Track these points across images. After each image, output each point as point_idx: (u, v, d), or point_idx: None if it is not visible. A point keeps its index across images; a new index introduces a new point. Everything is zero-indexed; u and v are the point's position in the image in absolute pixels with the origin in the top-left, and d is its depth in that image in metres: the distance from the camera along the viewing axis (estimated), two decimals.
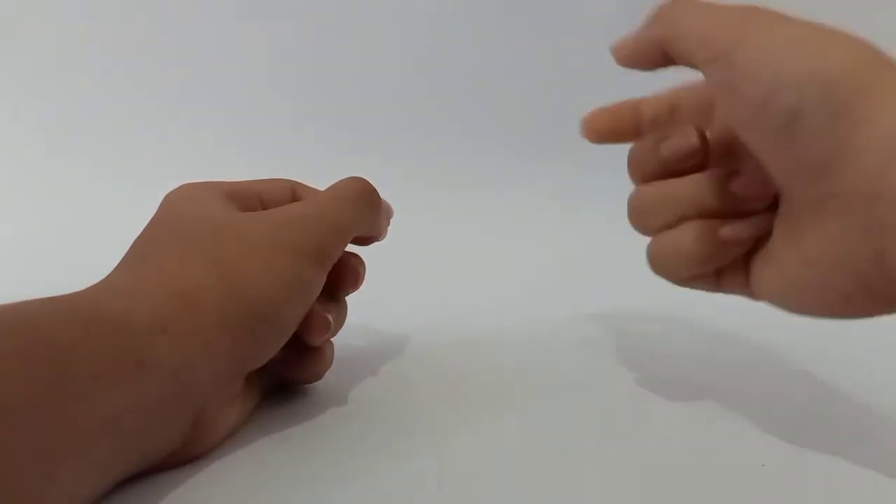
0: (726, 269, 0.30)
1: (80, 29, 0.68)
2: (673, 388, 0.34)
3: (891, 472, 0.26)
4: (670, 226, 0.30)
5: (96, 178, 0.65)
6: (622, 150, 0.34)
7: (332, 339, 0.33)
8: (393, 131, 0.69)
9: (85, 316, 0.23)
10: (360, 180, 0.33)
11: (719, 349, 0.41)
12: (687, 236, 0.29)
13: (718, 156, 0.31)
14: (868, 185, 0.23)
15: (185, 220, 0.30)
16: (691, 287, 0.31)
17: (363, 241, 0.35)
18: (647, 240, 0.32)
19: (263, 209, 0.32)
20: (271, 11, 0.69)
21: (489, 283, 0.52)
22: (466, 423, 0.31)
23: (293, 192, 0.34)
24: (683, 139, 0.30)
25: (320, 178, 0.33)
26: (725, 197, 0.29)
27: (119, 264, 0.29)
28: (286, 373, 0.32)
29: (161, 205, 0.31)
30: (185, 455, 0.26)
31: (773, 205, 0.29)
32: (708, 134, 0.31)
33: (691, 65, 0.28)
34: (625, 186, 0.34)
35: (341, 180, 0.33)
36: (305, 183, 0.35)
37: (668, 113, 0.33)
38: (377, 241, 0.35)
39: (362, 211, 0.32)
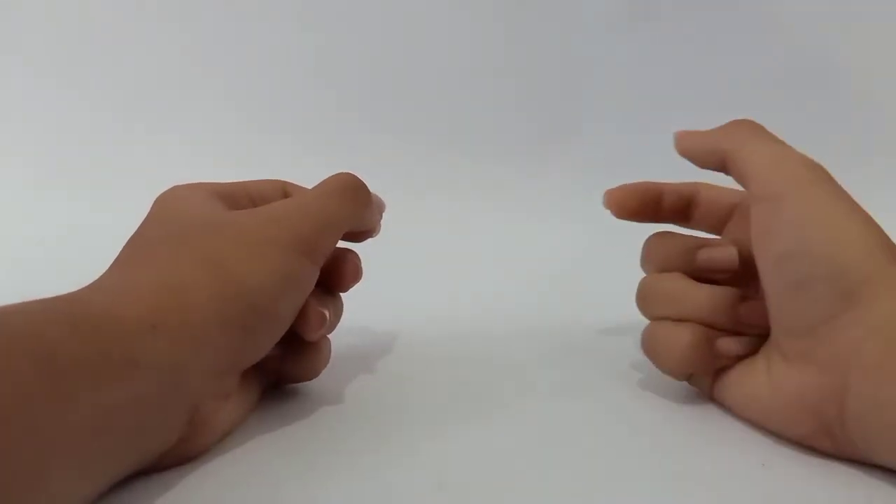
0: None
1: (77, 30, 0.68)
2: (672, 388, 0.34)
3: (891, 471, 0.26)
4: (672, 319, 0.32)
5: (93, 179, 0.65)
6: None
7: (328, 337, 0.33)
8: (386, 134, 0.69)
9: (74, 315, 0.23)
10: (348, 175, 0.33)
11: None
12: (685, 337, 0.31)
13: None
14: (844, 356, 0.26)
15: (175, 219, 0.30)
16: (665, 373, 0.33)
17: (357, 236, 0.35)
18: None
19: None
20: (268, 12, 0.69)
21: (484, 284, 0.52)
22: (465, 423, 0.31)
23: (283, 192, 0.35)
24: (726, 258, 0.32)
25: (313, 181, 0.33)
26: (732, 316, 0.31)
27: (111, 266, 0.29)
28: (283, 370, 0.32)
29: (152, 206, 0.31)
30: (181, 454, 0.26)
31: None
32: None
33: (742, 186, 0.31)
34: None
35: (330, 176, 0.33)
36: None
37: (686, 206, 0.36)
38: (371, 236, 0.35)
39: (351, 204, 0.32)
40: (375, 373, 0.37)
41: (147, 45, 0.69)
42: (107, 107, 0.68)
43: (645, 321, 0.34)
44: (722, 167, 0.32)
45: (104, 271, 0.28)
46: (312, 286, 0.30)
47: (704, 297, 0.32)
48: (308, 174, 0.34)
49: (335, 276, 0.33)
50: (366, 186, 0.33)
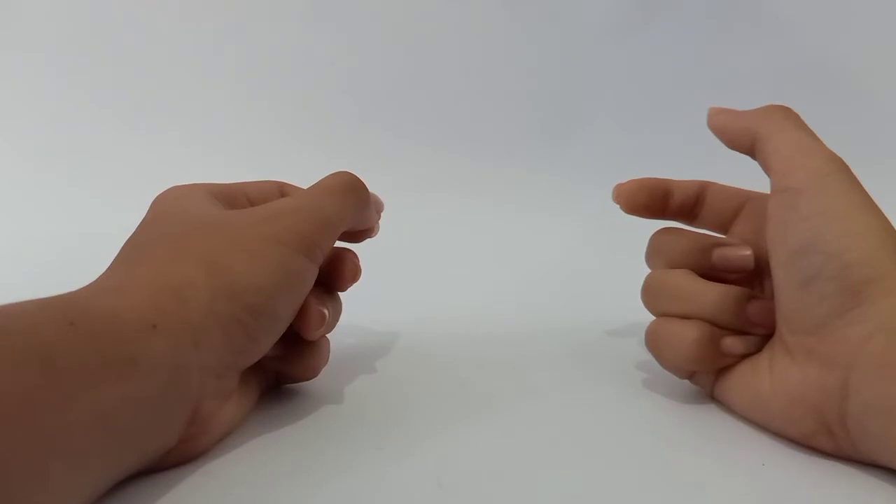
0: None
1: (77, 30, 0.68)
2: (671, 389, 0.34)
3: (890, 471, 0.26)
4: (678, 316, 0.32)
5: (94, 179, 0.65)
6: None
7: (327, 336, 0.33)
8: (386, 133, 0.69)
9: (74, 315, 0.23)
10: (345, 174, 0.33)
11: None
12: (691, 334, 0.31)
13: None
14: (848, 353, 0.27)
15: (173, 219, 0.30)
16: (668, 370, 0.34)
17: (356, 236, 0.35)
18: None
19: None
20: (271, 11, 0.69)
21: (484, 284, 0.52)
22: (465, 423, 0.31)
23: (281, 192, 0.35)
24: (741, 258, 0.33)
25: (312, 181, 0.33)
26: (739, 315, 0.31)
27: (110, 266, 0.29)
28: (282, 370, 0.32)
29: (150, 206, 0.31)
30: (183, 454, 0.26)
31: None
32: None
33: (765, 171, 0.31)
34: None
35: (328, 175, 0.33)
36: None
37: (694, 203, 0.36)
38: (370, 236, 0.35)
39: (348, 202, 0.32)
40: (375, 373, 0.37)
41: (148, 44, 0.69)
42: (107, 106, 0.68)
43: (646, 321, 0.34)
44: (750, 150, 0.32)
45: (103, 271, 0.28)
46: (311, 284, 0.30)
47: (714, 296, 0.32)
48: (308, 174, 0.34)
49: (334, 275, 0.33)
50: (364, 184, 0.33)
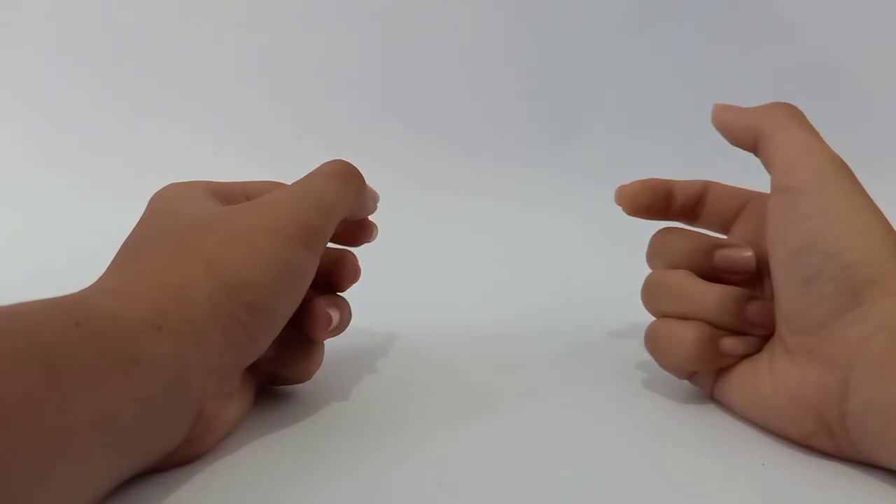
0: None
1: (77, 29, 0.68)
2: (671, 389, 0.34)
3: (890, 471, 0.26)
4: (678, 317, 0.32)
5: (94, 178, 0.65)
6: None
7: (323, 341, 0.33)
8: (386, 133, 0.68)
9: (77, 315, 0.23)
10: (339, 161, 0.32)
11: None
12: (690, 335, 0.32)
13: None
14: (848, 353, 0.27)
15: (171, 217, 0.30)
16: (668, 370, 0.34)
17: (354, 239, 0.35)
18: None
19: None
20: (272, 10, 0.69)
21: (484, 284, 0.52)
22: (465, 423, 0.31)
23: None
24: (744, 259, 0.33)
25: None
26: (739, 316, 0.31)
27: (109, 266, 0.29)
28: (276, 371, 0.32)
29: (148, 204, 0.31)
30: (187, 453, 0.26)
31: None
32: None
33: (766, 169, 0.31)
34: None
35: (321, 164, 0.32)
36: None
37: (696, 203, 0.36)
38: (368, 241, 0.35)
39: (344, 187, 0.32)
40: (376, 373, 0.37)
41: (148, 44, 0.69)
42: (107, 106, 0.68)
43: (646, 321, 0.34)
44: (752, 148, 0.32)
45: (104, 271, 0.28)
46: (312, 276, 0.30)
47: (713, 296, 0.32)
48: (298, 176, 0.34)
49: (334, 276, 0.33)
50: (359, 171, 0.33)
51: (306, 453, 0.28)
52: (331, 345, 0.34)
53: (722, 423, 0.32)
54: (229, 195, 0.32)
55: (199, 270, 0.27)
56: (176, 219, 0.29)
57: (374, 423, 0.31)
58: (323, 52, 0.69)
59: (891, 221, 0.29)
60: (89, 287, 0.26)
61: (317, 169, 0.32)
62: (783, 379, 0.29)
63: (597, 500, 0.26)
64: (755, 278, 0.33)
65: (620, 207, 0.35)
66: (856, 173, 0.30)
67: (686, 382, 0.34)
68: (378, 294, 0.38)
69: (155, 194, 0.32)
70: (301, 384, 0.33)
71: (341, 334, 0.33)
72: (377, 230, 0.36)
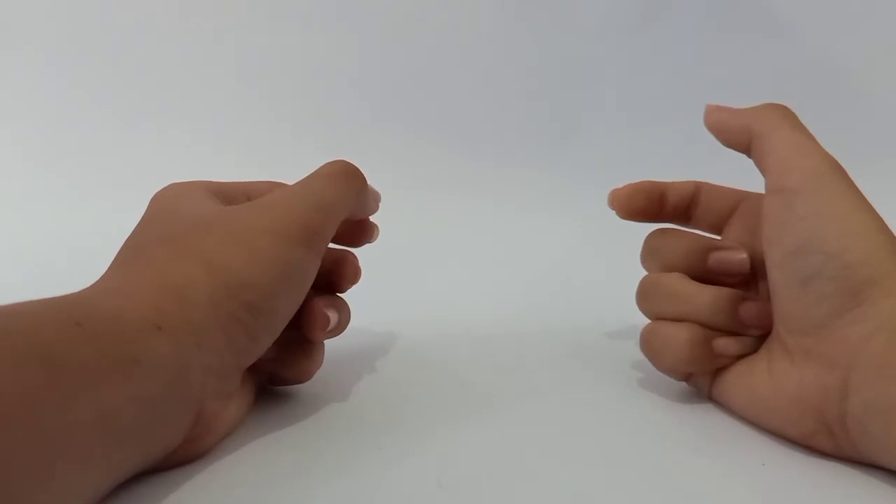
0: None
1: (72, 33, 0.68)
2: (670, 389, 0.34)
3: (890, 471, 0.26)
4: (672, 319, 0.32)
5: (93, 178, 0.65)
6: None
7: (323, 341, 0.33)
8: (386, 133, 0.68)
9: (78, 316, 0.23)
10: (340, 161, 0.32)
11: None
12: (684, 336, 0.32)
13: None
14: (848, 353, 0.27)
15: (172, 217, 0.30)
16: (664, 372, 0.34)
17: (355, 239, 0.35)
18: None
19: None
20: (272, 10, 0.69)
21: (483, 285, 0.52)
22: (465, 423, 0.31)
23: None
24: (738, 262, 0.33)
25: None
26: (732, 317, 0.32)
27: (110, 266, 0.29)
28: (276, 371, 0.32)
29: (149, 205, 0.31)
30: (187, 453, 0.26)
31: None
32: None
33: (760, 171, 0.31)
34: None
35: (323, 164, 0.32)
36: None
37: (689, 205, 0.36)
38: (369, 241, 0.35)
39: (345, 187, 0.32)
40: (375, 373, 0.37)
41: (148, 44, 0.69)
42: (107, 106, 0.68)
43: (644, 321, 0.34)
44: (746, 149, 0.32)
45: (105, 271, 0.28)
46: (313, 277, 0.30)
47: (707, 298, 0.32)
48: (299, 177, 0.34)
49: (334, 276, 0.33)
50: (360, 171, 0.33)
51: (306, 453, 0.28)
52: (331, 345, 0.34)
53: (722, 423, 0.32)
54: (230, 195, 0.32)
55: (199, 270, 0.27)
56: (176, 219, 0.29)
57: (374, 423, 0.31)
58: (323, 52, 0.69)
59: (891, 221, 0.29)
60: (89, 287, 0.26)
61: (318, 169, 0.32)
62: (782, 379, 0.29)
63: (597, 500, 0.26)
64: (749, 279, 0.33)
65: (614, 212, 0.35)
66: (855, 173, 0.30)
67: (681, 384, 0.34)
68: (378, 294, 0.38)
69: (155, 194, 0.32)
70: (301, 384, 0.33)
71: (341, 335, 0.33)
72: (378, 231, 0.36)
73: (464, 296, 0.49)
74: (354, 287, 0.34)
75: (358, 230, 0.35)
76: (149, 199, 0.32)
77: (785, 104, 0.32)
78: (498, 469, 0.28)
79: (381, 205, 0.35)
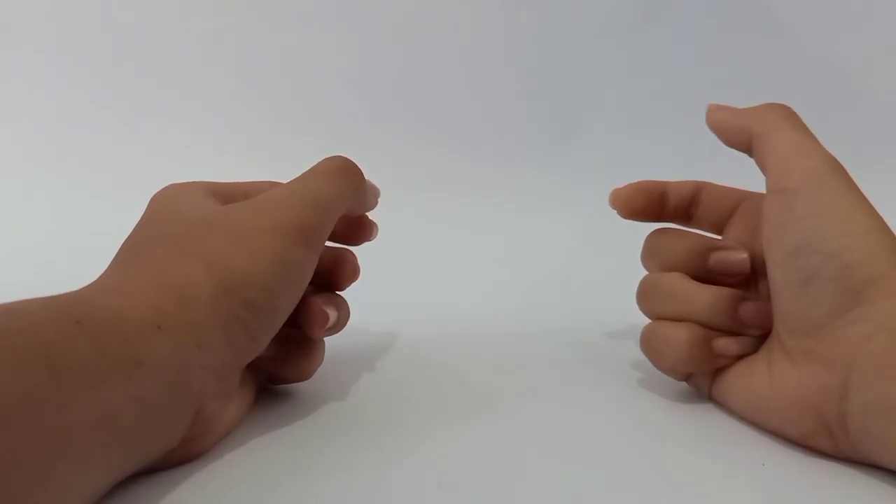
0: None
1: (72, 33, 0.68)
2: (670, 389, 0.34)
3: (890, 471, 0.26)
4: (672, 319, 0.32)
5: (90, 182, 0.64)
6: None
7: (323, 340, 0.33)
8: (386, 133, 0.68)
9: (78, 314, 0.23)
10: (338, 157, 0.32)
11: None
12: (683, 336, 0.32)
13: None
14: (848, 353, 0.27)
15: (171, 217, 0.30)
16: (664, 372, 0.34)
17: (354, 237, 0.35)
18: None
19: None
20: (273, 9, 0.69)
21: (483, 284, 0.52)
22: (465, 423, 0.31)
23: None
24: (738, 262, 0.33)
25: None
26: (732, 317, 0.32)
27: (109, 266, 0.29)
28: (276, 370, 0.32)
29: (148, 205, 0.31)
30: (186, 453, 0.26)
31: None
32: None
33: (761, 170, 0.31)
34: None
35: (320, 161, 0.32)
36: None
37: (690, 204, 0.36)
38: (368, 239, 0.35)
39: (342, 183, 0.32)
40: (375, 373, 0.37)
41: (148, 44, 0.69)
42: (107, 106, 0.68)
43: (644, 321, 0.34)
44: (747, 149, 0.32)
45: (104, 271, 0.28)
46: (311, 275, 0.30)
47: (706, 298, 0.32)
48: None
49: (333, 275, 0.33)
50: (358, 167, 0.33)
51: (306, 453, 0.28)
52: (331, 345, 0.34)
53: (722, 423, 0.32)
54: (229, 195, 0.32)
55: (199, 270, 0.27)
56: (176, 219, 0.29)
57: (373, 422, 0.31)
58: (323, 52, 0.69)
59: (891, 222, 0.29)
60: (88, 286, 0.26)
61: (315, 166, 0.32)
62: (782, 379, 0.29)
63: (597, 500, 0.26)
64: (750, 279, 0.33)
65: (615, 211, 0.35)
66: (855, 174, 0.30)
67: (680, 384, 0.34)
68: (378, 294, 0.38)
69: (155, 195, 0.32)
70: (301, 383, 0.33)
71: (341, 334, 0.33)
72: (377, 229, 0.36)
73: (464, 296, 0.49)
74: (355, 287, 0.34)
75: (357, 228, 0.35)
76: (148, 199, 0.32)
77: (787, 105, 0.32)
78: (498, 469, 0.28)
79: (381, 204, 0.35)
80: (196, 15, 0.69)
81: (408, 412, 0.32)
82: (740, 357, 0.32)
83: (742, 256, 0.33)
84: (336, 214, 0.31)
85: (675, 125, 0.67)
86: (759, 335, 0.32)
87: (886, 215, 0.29)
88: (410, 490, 0.26)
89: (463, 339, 0.41)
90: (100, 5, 0.68)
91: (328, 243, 0.32)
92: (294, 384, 0.33)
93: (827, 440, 0.28)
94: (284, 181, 0.35)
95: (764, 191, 0.31)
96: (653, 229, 0.35)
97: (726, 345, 0.32)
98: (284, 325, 0.29)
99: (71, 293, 0.25)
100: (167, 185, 0.32)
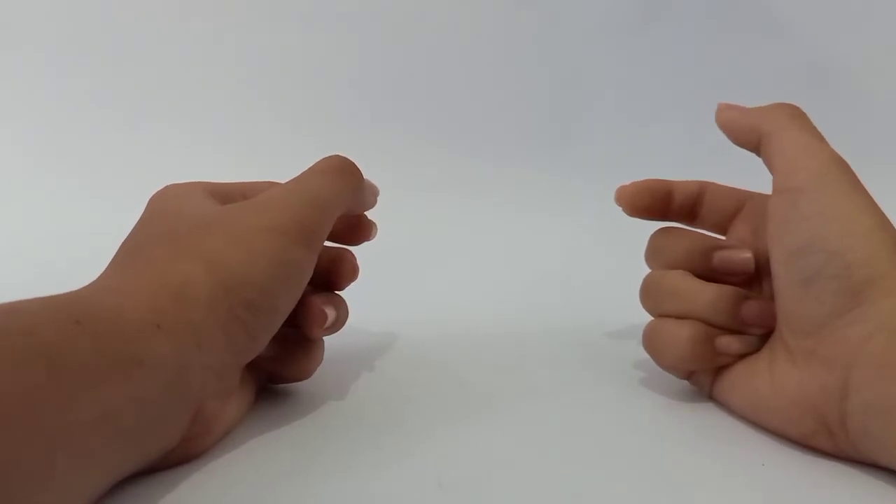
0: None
1: (72, 33, 0.68)
2: (671, 388, 0.34)
3: (890, 471, 0.26)
4: (675, 316, 0.32)
5: (90, 182, 0.64)
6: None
7: (322, 339, 0.33)
8: (386, 133, 0.68)
9: (76, 313, 0.23)
10: (336, 156, 0.33)
11: None
12: (685, 333, 0.32)
13: None
14: (848, 353, 0.27)
15: (170, 217, 0.30)
16: (666, 369, 0.34)
17: (353, 237, 0.35)
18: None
19: None
20: (273, 9, 0.69)
21: (484, 284, 0.52)
22: (465, 423, 0.31)
23: None
24: (742, 261, 0.33)
25: None
26: (734, 315, 0.32)
27: (108, 266, 0.29)
28: (276, 369, 0.32)
29: (147, 205, 0.31)
30: (185, 453, 0.26)
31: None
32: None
33: (768, 169, 0.31)
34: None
35: (318, 160, 0.32)
36: None
37: (694, 204, 0.36)
38: (367, 239, 0.35)
39: (341, 183, 0.32)
40: (375, 373, 0.37)
41: (148, 44, 0.69)
42: (107, 106, 0.68)
43: (645, 321, 0.34)
44: (755, 148, 0.32)
45: (103, 271, 0.28)
46: (310, 275, 0.30)
47: (709, 296, 0.32)
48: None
49: (332, 274, 0.33)
50: (356, 166, 0.33)
51: (305, 452, 0.28)
52: (330, 344, 0.34)
53: (722, 423, 0.32)
54: (228, 196, 0.32)
55: (198, 270, 0.27)
56: (175, 219, 0.29)
57: (373, 422, 0.31)
58: (323, 52, 0.69)
59: (892, 221, 0.29)
60: (88, 285, 0.26)
61: (313, 165, 0.32)
62: (783, 379, 0.29)
63: (596, 499, 0.26)
64: (753, 279, 0.33)
65: (621, 208, 0.35)
66: (856, 173, 0.30)
67: (685, 382, 0.34)
68: (378, 294, 0.38)
69: (154, 195, 0.32)
70: (301, 383, 0.33)
71: (341, 334, 0.33)
72: (376, 229, 0.36)
73: (464, 296, 0.49)
74: (355, 286, 0.34)
75: (356, 228, 0.35)
76: (148, 199, 0.32)
77: (794, 104, 0.32)
78: (498, 469, 0.28)
79: (381, 204, 0.35)
80: (196, 15, 0.69)
81: (408, 412, 0.32)
82: (742, 356, 0.32)
83: (746, 256, 0.33)
84: (335, 214, 0.31)
85: (674, 125, 0.68)
86: (762, 334, 0.32)
87: (888, 215, 0.29)
88: (410, 490, 0.26)
89: (463, 339, 0.41)
90: (100, 5, 0.68)
91: (327, 243, 0.32)
92: (294, 384, 0.33)
93: (827, 440, 0.28)
94: (284, 181, 0.35)
95: (766, 191, 0.31)
96: (656, 229, 0.35)
97: (728, 343, 0.32)
98: (284, 324, 0.29)
99: (71, 293, 0.25)
100: (166, 185, 0.32)
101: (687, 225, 0.36)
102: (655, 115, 0.69)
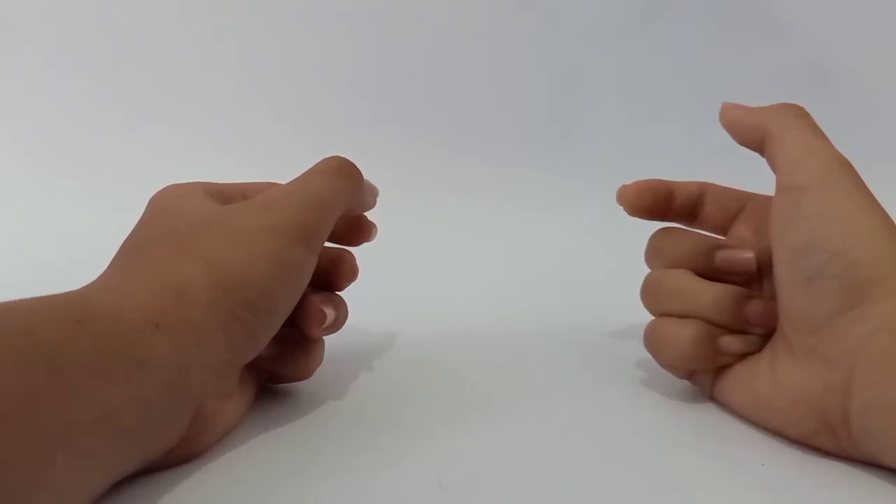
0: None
1: (72, 33, 0.68)
2: (671, 388, 0.34)
3: (891, 471, 0.26)
4: (676, 316, 0.32)
5: (90, 182, 0.64)
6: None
7: (322, 338, 0.33)
8: (386, 133, 0.68)
9: (76, 313, 0.23)
10: (336, 157, 0.33)
11: None
12: (687, 332, 0.32)
13: None
14: (850, 352, 0.27)
15: (170, 217, 0.30)
16: (667, 369, 0.34)
17: (353, 239, 0.35)
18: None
19: None
20: (273, 9, 0.69)
21: (484, 284, 0.52)
22: (465, 423, 0.31)
23: None
24: (744, 261, 0.33)
25: None
26: (736, 315, 0.31)
27: (109, 265, 0.29)
28: (276, 369, 0.32)
29: (147, 205, 0.31)
30: (185, 453, 0.26)
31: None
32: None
33: (772, 169, 0.31)
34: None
35: (318, 161, 0.32)
36: None
37: (695, 204, 0.36)
38: (367, 240, 0.35)
39: (341, 183, 0.32)
40: (375, 373, 0.37)
41: (148, 44, 0.69)
42: (107, 106, 0.68)
43: (645, 321, 0.34)
44: (759, 147, 0.32)
45: (103, 271, 0.28)
46: (310, 275, 0.30)
47: (711, 295, 0.32)
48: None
49: (332, 275, 0.33)
50: (356, 167, 0.33)
51: (305, 452, 0.28)
52: (330, 344, 0.34)
53: (722, 422, 0.32)
54: (228, 196, 0.33)
55: (198, 270, 0.27)
56: (175, 219, 0.29)
57: (373, 422, 0.31)
58: (323, 52, 0.69)
59: (894, 221, 0.29)
60: (88, 285, 0.26)
61: (314, 166, 0.32)
62: (785, 378, 0.29)
63: (596, 499, 0.26)
64: (754, 280, 0.33)
65: (622, 207, 0.35)
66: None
67: (686, 382, 0.34)
68: (378, 294, 0.38)
69: (154, 195, 0.32)
70: (301, 383, 0.33)
71: (340, 334, 0.33)
72: (376, 230, 0.36)
73: (464, 296, 0.49)
74: (354, 286, 0.34)
75: (356, 229, 0.35)
76: (148, 199, 0.32)
77: (799, 104, 0.32)
78: (498, 469, 0.28)
79: (381, 204, 0.35)
80: (196, 15, 0.69)
81: (407, 412, 0.32)
82: (744, 355, 0.32)
83: (748, 255, 0.33)
84: (335, 214, 0.31)
85: (674, 125, 0.67)
86: (763, 334, 0.32)
87: (890, 215, 0.29)
88: (410, 490, 0.26)
89: (463, 339, 0.41)
90: (100, 5, 0.68)
91: (327, 244, 0.32)
92: (294, 384, 0.33)
93: (829, 439, 0.28)
94: (284, 181, 0.35)
95: (767, 192, 0.31)
96: (657, 229, 0.35)
97: (730, 342, 0.32)
98: (284, 324, 0.29)
99: (71, 293, 0.25)
100: (166, 185, 0.32)
101: (686, 225, 0.36)
102: (655, 115, 0.69)
